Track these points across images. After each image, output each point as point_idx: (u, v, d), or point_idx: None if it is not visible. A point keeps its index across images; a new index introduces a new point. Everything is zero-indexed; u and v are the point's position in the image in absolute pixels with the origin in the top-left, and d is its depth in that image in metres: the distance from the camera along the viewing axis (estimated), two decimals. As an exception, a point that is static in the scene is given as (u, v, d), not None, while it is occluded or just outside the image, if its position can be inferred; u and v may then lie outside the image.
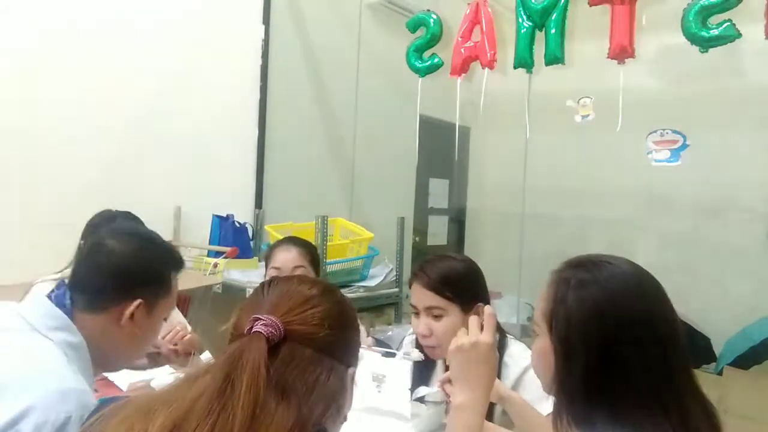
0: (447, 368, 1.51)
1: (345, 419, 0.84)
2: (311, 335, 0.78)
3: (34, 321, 1.02)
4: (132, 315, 1.07)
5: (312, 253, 2.04)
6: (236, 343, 0.75)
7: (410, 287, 1.58)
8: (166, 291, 1.14)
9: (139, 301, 1.07)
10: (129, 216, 1.94)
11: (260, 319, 0.76)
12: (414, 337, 1.70)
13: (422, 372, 1.60)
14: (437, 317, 1.50)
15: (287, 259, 1.97)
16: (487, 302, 1.51)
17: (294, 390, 0.74)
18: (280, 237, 2.79)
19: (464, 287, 1.51)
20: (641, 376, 0.82)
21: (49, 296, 1.07)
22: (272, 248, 2.09)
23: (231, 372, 0.70)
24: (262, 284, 0.88)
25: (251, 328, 0.75)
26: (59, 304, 1.06)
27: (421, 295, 1.53)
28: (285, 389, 0.73)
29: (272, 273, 1.98)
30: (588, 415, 0.83)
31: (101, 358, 1.08)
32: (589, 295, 0.86)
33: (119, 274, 1.08)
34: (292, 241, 2.06)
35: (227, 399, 0.68)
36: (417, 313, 1.54)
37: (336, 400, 0.80)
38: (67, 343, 1.02)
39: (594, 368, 0.83)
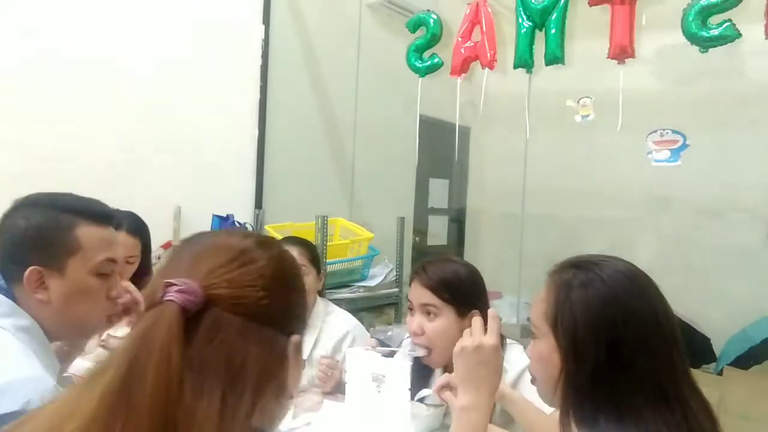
0: (445, 371, 1.52)
1: (291, 397, 0.72)
2: (240, 300, 0.64)
3: None
4: (42, 283, 1.02)
5: (312, 252, 2.04)
6: (143, 319, 0.60)
7: (410, 284, 1.59)
8: (72, 247, 1.04)
9: (32, 268, 1.01)
10: (131, 217, 1.94)
11: (173, 284, 0.61)
12: (412, 355, 1.69)
13: (421, 373, 1.60)
14: (431, 315, 1.51)
15: None
16: (484, 310, 1.50)
17: (218, 373, 0.60)
18: (280, 237, 2.80)
19: (463, 292, 1.52)
20: (647, 373, 0.83)
21: None
22: None
23: (134, 361, 0.57)
24: (183, 240, 0.73)
25: (162, 296, 0.60)
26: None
27: (418, 292, 1.54)
28: (207, 374, 0.59)
29: None
30: (597, 414, 0.83)
31: (55, 333, 1.05)
32: (594, 294, 0.87)
33: (9, 245, 1.04)
34: (291, 240, 2.07)
35: (133, 401, 0.55)
36: (412, 310, 1.56)
37: (275, 377, 0.67)
38: (18, 327, 0.99)
39: (603, 367, 0.83)
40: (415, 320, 1.53)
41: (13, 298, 1.02)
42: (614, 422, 0.81)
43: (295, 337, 0.70)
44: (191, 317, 0.61)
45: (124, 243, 1.77)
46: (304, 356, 1.97)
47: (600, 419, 0.82)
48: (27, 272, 1.01)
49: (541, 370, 0.93)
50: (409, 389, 1.54)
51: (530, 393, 1.26)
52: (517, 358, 1.50)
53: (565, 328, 0.87)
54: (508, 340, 1.57)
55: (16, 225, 1.05)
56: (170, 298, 0.60)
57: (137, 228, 1.93)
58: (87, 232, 1.07)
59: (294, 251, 1.94)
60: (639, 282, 0.90)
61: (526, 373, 1.20)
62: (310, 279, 2.00)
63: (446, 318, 1.50)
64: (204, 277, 0.64)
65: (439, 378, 1.31)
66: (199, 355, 0.60)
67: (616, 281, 0.88)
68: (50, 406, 0.60)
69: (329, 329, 2.05)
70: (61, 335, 1.10)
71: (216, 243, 0.70)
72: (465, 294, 1.52)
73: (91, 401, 0.55)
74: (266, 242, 0.73)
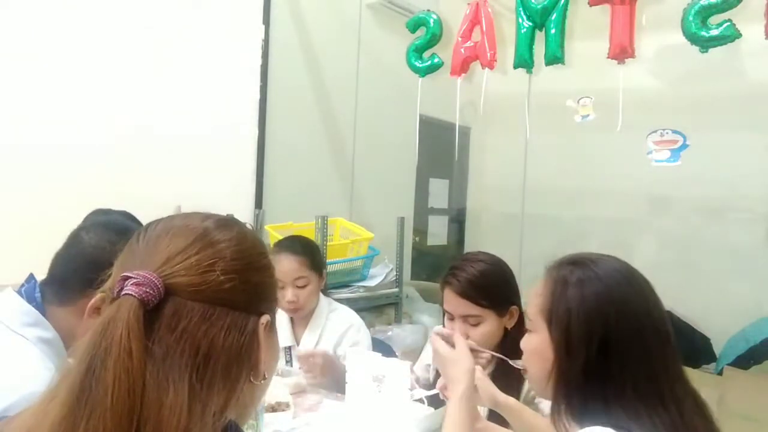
0: None
1: (265, 378, 0.69)
2: (200, 286, 0.62)
3: (6, 318, 0.98)
4: (97, 309, 1.01)
5: (311, 258, 2.02)
6: (102, 316, 0.59)
7: (441, 291, 1.57)
8: None
9: (102, 295, 1.02)
10: (127, 216, 1.93)
11: (129, 277, 0.60)
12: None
13: None
14: (474, 325, 1.50)
15: (288, 269, 1.96)
16: (519, 303, 1.53)
17: (184, 363, 0.58)
18: (280, 237, 2.79)
19: (497, 293, 1.51)
20: (640, 366, 0.84)
21: (19, 291, 1.03)
22: (271, 254, 2.07)
23: (93, 360, 0.55)
24: (141, 229, 0.71)
25: (120, 290, 0.59)
26: (29, 298, 1.01)
27: (456, 304, 1.52)
28: (171, 365, 0.58)
29: None
30: (587, 406, 0.85)
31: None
32: (589, 289, 0.89)
33: (86, 265, 1.00)
34: (291, 248, 2.03)
35: (94, 401, 0.53)
36: (452, 319, 1.54)
37: (247, 360, 0.65)
38: (41, 339, 0.98)
39: (595, 361, 0.85)
40: (460, 328, 1.49)
41: (41, 309, 1.01)
42: (603, 416, 0.82)
43: (264, 317, 0.68)
44: (152, 309, 0.59)
45: None
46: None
47: (589, 413, 0.84)
48: (97, 298, 1.00)
49: (534, 363, 0.95)
50: (409, 389, 1.54)
51: None
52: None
53: (559, 322, 0.90)
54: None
55: (91, 244, 1.04)
56: (127, 291, 0.59)
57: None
58: None
59: (292, 263, 1.95)
60: (634, 280, 0.91)
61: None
62: (311, 287, 1.99)
63: (489, 322, 1.50)
64: (160, 267, 0.62)
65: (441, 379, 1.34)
66: (162, 347, 0.58)
67: (612, 279, 0.90)
68: (26, 413, 0.59)
69: (332, 325, 2.05)
70: None
71: (172, 230, 0.67)
72: (499, 294, 1.52)
73: (57, 405, 0.54)
74: (224, 223, 0.70)
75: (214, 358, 0.61)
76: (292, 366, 2.03)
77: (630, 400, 0.82)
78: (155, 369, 0.57)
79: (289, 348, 2.07)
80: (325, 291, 2.18)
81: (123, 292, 0.59)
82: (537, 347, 0.94)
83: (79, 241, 1.06)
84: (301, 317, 2.05)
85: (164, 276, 0.61)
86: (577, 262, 0.94)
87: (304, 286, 1.97)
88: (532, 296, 0.97)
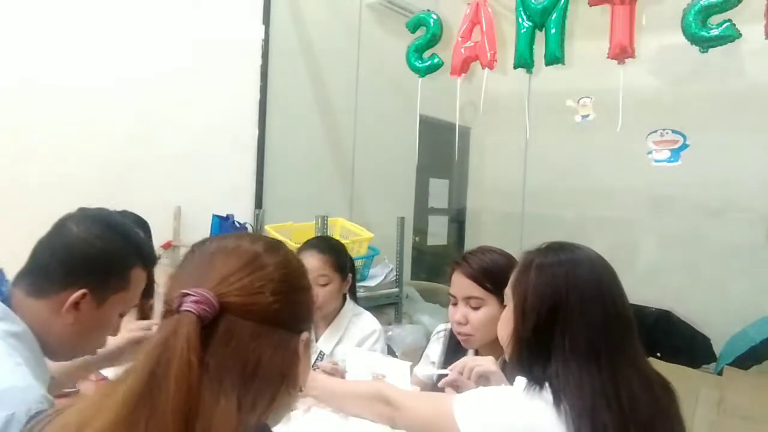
0: (476, 353, 1.60)
1: (300, 390, 0.75)
2: (252, 306, 0.68)
3: None
4: (77, 305, 0.97)
5: (337, 259, 2.00)
6: (161, 329, 0.64)
7: (450, 277, 1.61)
8: (122, 285, 1.03)
9: (83, 291, 0.97)
10: (131, 216, 1.94)
11: (189, 294, 0.65)
12: (442, 333, 1.77)
13: (453, 358, 1.63)
14: (475, 308, 1.54)
15: (310, 267, 1.94)
16: None
17: (234, 376, 0.64)
18: (280, 237, 2.80)
19: (503, 281, 1.54)
20: (581, 335, 0.99)
21: None
22: (298, 251, 2.08)
23: (156, 368, 0.60)
24: (194, 246, 0.76)
25: (179, 305, 0.64)
26: None
27: (461, 284, 1.56)
28: (224, 377, 0.64)
29: None
30: (532, 362, 1.01)
31: (45, 348, 0.99)
32: (549, 266, 1.06)
33: (70, 258, 0.98)
34: (318, 246, 2.02)
35: (155, 404, 0.58)
36: (455, 303, 1.58)
37: (287, 375, 0.71)
38: (9, 333, 0.92)
39: (544, 324, 1.01)
40: (459, 311, 1.55)
41: (8, 302, 0.96)
42: (543, 369, 0.99)
43: (305, 335, 0.74)
44: (207, 325, 0.64)
45: None
46: (327, 352, 1.97)
47: (534, 366, 1.00)
48: (79, 293, 0.97)
49: (503, 329, 1.13)
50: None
51: None
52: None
53: (520, 294, 1.07)
54: None
55: (78, 237, 1.00)
56: (187, 308, 0.64)
57: (140, 227, 1.93)
58: (137, 275, 1.06)
59: (316, 260, 1.95)
60: (595, 268, 1.06)
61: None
62: (332, 287, 1.99)
63: (490, 308, 1.52)
64: (216, 286, 0.67)
65: (446, 378, 1.38)
66: (216, 360, 0.64)
67: (573, 262, 1.06)
68: (75, 408, 0.63)
69: (355, 328, 2.04)
70: (58, 355, 1.05)
71: (226, 250, 0.73)
72: (506, 283, 1.54)
73: (115, 403, 0.58)
74: (273, 246, 0.76)
75: (261, 372, 0.67)
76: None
77: (568, 360, 0.97)
78: (209, 380, 0.62)
79: None
80: (354, 296, 2.17)
81: (183, 308, 0.64)
82: (505, 315, 1.13)
83: (67, 233, 1.01)
84: (319, 317, 2.05)
85: (220, 295, 0.66)
86: (548, 247, 1.11)
87: (325, 285, 1.96)
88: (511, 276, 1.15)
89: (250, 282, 0.69)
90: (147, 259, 1.09)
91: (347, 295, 2.10)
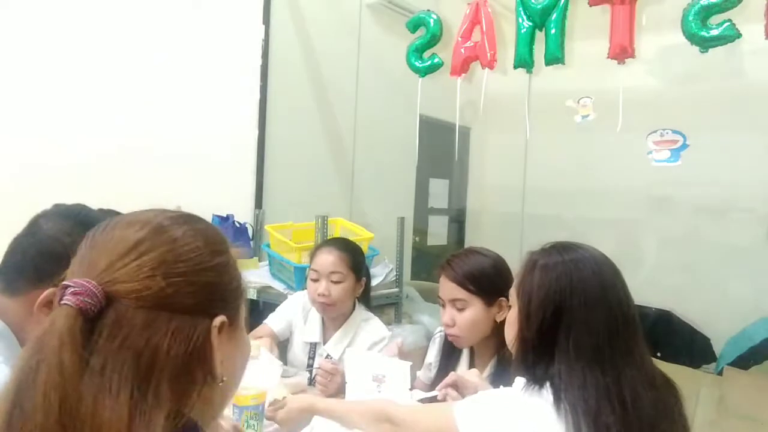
0: (472, 355, 1.60)
1: (224, 380, 0.66)
2: (142, 292, 0.60)
3: None
4: (49, 303, 0.96)
5: (353, 259, 2.02)
6: (39, 328, 0.57)
7: (438, 279, 1.66)
8: None
9: (53, 289, 0.97)
10: (108, 212, 1.92)
11: (69, 286, 0.58)
12: (437, 336, 1.82)
13: (449, 360, 1.69)
14: (460, 309, 1.58)
15: (325, 262, 1.98)
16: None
17: (125, 372, 0.57)
18: (280, 237, 2.80)
19: (488, 282, 1.59)
20: (584, 335, 0.99)
21: None
22: (316, 248, 2.09)
23: (21, 372, 0.53)
24: (90, 230, 0.68)
25: (60, 299, 0.58)
26: None
27: (446, 287, 1.61)
28: (111, 374, 0.56)
29: (312, 275, 1.99)
30: (536, 364, 1.01)
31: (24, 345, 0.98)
32: (553, 267, 1.06)
33: (39, 256, 0.97)
34: (335, 244, 2.05)
35: (24, 412, 0.51)
36: (444, 306, 1.63)
37: (199, 364, 0.63)
38: None
39: (548, 326, 1.01)
40: (447, 313, 1.61)
41: None
42: (545, 370, 0.99)
43: (218, 319, 0.65)
44: (93, 318, 0.58)
45: None
46: (336, 356, 1.96)
47: (537, 367, 1.01)
48: (47, 292, 0.95)
49: (510, 331, 1.13)
50: (410, 389, 1.54)
51: None
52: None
53: (525, 295, 1.07)
54: None
55: (49, 234, 0.98)
56: (65, 302, 0.57)
57: None
58: None
59: (332, 256, 1.97)
60: (599, 268, 1.05)
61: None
62: (346, 285, 1.99)
63: (474, 308, 1.57)
64: (101, 274, 0.60)
65: (446, 379, 1.40)
66: (101, 358, 0.57)
67: (577, 262, 1.05)
68: None
69: (364, 333, 2.05)
70: None
71: (113, 234, 0.65)
72: (490, 284, 1.58)
73: None
74: (173, 223, 0.67)
75: (159, 366, 0.59)
76: (313, 361, 2.04)
77: (571, 361, 0.98)
78: (92, 381, 0.55)
79: (315, 344, 2.08)
80: (368, 302, 2.17)
81: (61, 302, 0.57)
82: (511, 317, 1.13)
83: (37, 230, 1.00)
84: (331, 317, 2.05)
85: (104, 283, 0.59)
86: (552, 247, 1.11)
87: (338, 282, 1.97)
88: (515, 277, 1.16)
89: (137, 266, 0.61)
90: None
91: (358, 300, 2.10)
